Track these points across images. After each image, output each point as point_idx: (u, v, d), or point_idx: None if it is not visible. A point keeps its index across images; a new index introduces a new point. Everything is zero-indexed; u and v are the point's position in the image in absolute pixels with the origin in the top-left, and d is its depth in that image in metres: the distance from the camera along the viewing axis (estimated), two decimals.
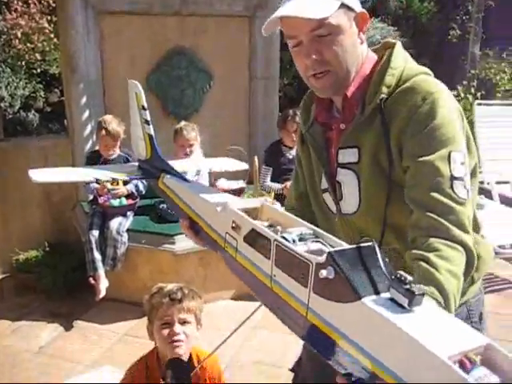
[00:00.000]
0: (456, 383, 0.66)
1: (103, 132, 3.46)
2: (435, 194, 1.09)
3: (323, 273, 0.82)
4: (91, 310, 3.46)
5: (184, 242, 3.20)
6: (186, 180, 1.51)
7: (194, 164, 2.31)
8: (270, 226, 1.13)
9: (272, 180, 3.99)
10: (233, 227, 1.12)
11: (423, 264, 1.02)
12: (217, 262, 3.30)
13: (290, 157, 3.91)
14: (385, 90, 1.21)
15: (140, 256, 3.44)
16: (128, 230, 3.42)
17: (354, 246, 0.87)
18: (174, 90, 4.15)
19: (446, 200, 1.09)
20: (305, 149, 1.43)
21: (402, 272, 0.79)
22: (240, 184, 3.84)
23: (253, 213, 1.21)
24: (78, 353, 3.07)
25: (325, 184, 1.36)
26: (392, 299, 0.79)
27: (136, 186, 3.51)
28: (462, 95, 6.28)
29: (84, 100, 3.83)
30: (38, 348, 3.11)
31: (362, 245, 0.87)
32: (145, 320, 1.98)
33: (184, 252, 3.28)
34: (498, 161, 5.29)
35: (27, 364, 2.95)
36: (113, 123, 3.46)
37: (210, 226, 1.28)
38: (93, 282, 3.31)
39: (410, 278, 0.78)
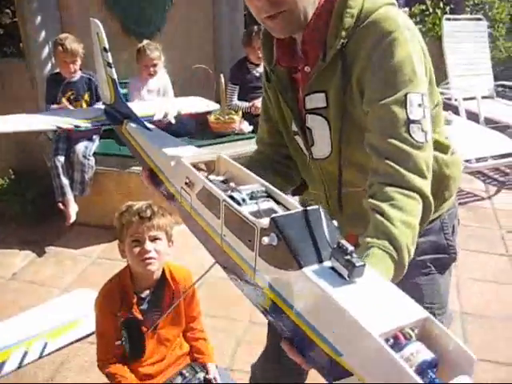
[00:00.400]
0: (385, 360, 0.66)
1: (60, 49, 3.31)
2: (391, 140, 1.07)
3: (265, 240, 0.81)
4: (63, 236, 3.46)
5: None
6: (147, 128, 1.46)
7: (161, 107, 2.16)
8: (224, 181, 1.11)
9: (239, 98, 3.92)
10: (186, 183, 1.10)
11: (378, 216, 1.00)
12: None
13: (257, 74, 3.84)
14: (344, 34, 1.14)
15: (108, 179, 3.40)
16: (95, 154, 3.37)
17: (300, 209, 0.85)
18: (134, 8, 3.95)
19: (402, 145, 1.06)
20: (271, 86, 1.35)
21: (343, 241, 0.77)
22: None
23: (210, 166, 1.19)
24: (52, 278, 3.09)
25: (295, 127, 1.32)
26: (333, 268, 0.78)
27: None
28: (431, 10, 6.16)
29: (39, 19, 3.63)
30: (12, 274, 3.12)
31: (309, 208, 0.84)
32: (116, 242, 1.99)
33: None
34: (466, 76, 5.31)
35: (1, 289, 2.97)
36: (69, 39, 3.31)
37: (168, 180, 1.25)
38: (62, 207, 3.29)
39: (351, 247, 0.76)
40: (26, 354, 2.27)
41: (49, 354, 2.36)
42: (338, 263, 0.76)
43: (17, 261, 3.25)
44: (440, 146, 1.25)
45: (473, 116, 4.87)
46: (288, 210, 0.96)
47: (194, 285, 1.17)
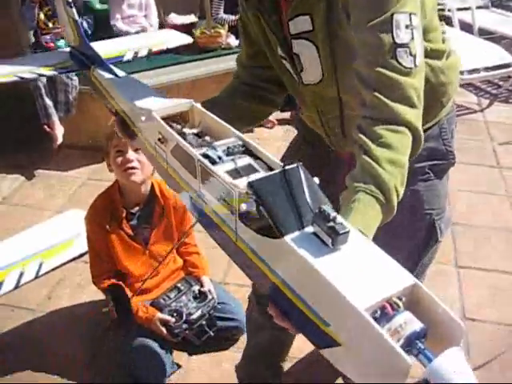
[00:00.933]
0: (372, 336, 0.63)
1: None
2: (378, 69, 0.99)
3: (243, 207, 0.77)
4: (51, 159, 3.41)
5: (142, 80, 3.06)
6: (116, 75, 1.35)
7: (130, 46, 1.97)
8: (199, 135, 1.04)
9: (225, 12, 3.77)
10: (159, 139, 1.04)
11: (364, 157, 0.95)
12: (176, 92, 3.23)
13: None
14: None
15: (93, 98, 3.29)
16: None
17: (277, 170, 0.79)
18: None
19: (389, 73, 0.99)
20: (250, 6, 1.25)
21: (325, 206, 0.73)
22: (192, 19, 3.64)
23: (185, 116, 1.12)
24: (43, 200, 3.08)
25: (281, 52, 1.24)
26: (316, 234, 0.74)
27: (81, 24, 3.26)
28: None
29: None
30: (1, 198, 3.10)
31: (287, 168, 0.79)
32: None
33: None
34: None
35: None
36: None
37: (141, 133, 1.18)
38: (48, 129, 3.22)
39: (333, 213, 0.72)
40: (22, 274, 2.29)
41: (45, 273, 2.39)
42: (321, 229, 0.72)
43: (5, 185, 3.21)
44: (434, 53, 1.18)
45: (467, 26, 4.73)
46: (267, 165, 0.91)
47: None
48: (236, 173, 0.87)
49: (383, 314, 0.67)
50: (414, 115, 1.00)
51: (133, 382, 1.93)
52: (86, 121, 3.37)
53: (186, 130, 1.06)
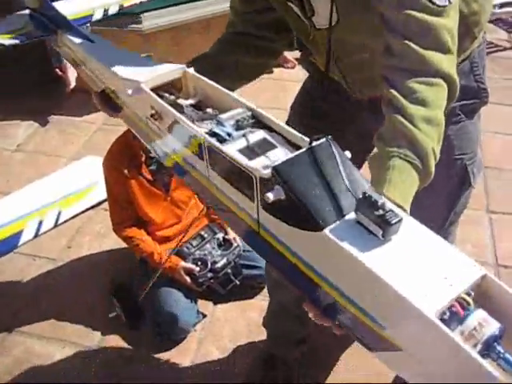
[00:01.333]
0: (445, 344, 0.54)
1: None
2: (406, 11, 0.87)
3: (270, 196, 0.64)
4: (65, 104, 3.29)
5: (152, 20, 2.93)
6: (90, 40, 1.18)
7: (99, 2, 1.75)
8: (198, 106, 0.89)
9: None
10: (152, 115, 0.89)
11: (397, 116, 0.84)
12: (191, 38, 3.08)
13: None
14: None
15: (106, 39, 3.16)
16: None
17: (305, 148, 0.66)
18: None
19: (418, 15, 0.86)
20: None
21: (369, 190, 0.61)
22: None
23: (176, 84, 0.96)
24: (58, 147, 2.99)
25: None
26: (360, 223, 0.62)
27: None
28: None
29: None
30: (16, 146, 3.02)
31: (314, 144, 0.66)
32: None
33: (153, 30, 2.99)
34: None
35: (7, 161, 2.89)
36: None
37: (127, 107, 1.03)
38: (60, 73, 3.09)
39: (380, 199, 0.61)
40: (41, 223, 2.24)
41: (64, 222, 2.34)
42: (367, 219, 0.62)
43: (19, 132, 3.13)
44: None
45: None
46: (284, 138, 0.77)
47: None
48: (250, 151, 0.75)
49: (452, 314, 0.57)
50: (450, 62, 0.88)
51: (158, 331, 1.89)
52: None
53: (182, 102, 0.92)
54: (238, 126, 0.80)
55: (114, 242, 2.22)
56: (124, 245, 2.06)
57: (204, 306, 2.00)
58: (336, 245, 0.61)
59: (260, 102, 2.50)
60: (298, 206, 0.64)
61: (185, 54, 3.36)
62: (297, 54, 3.72)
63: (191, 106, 0.91)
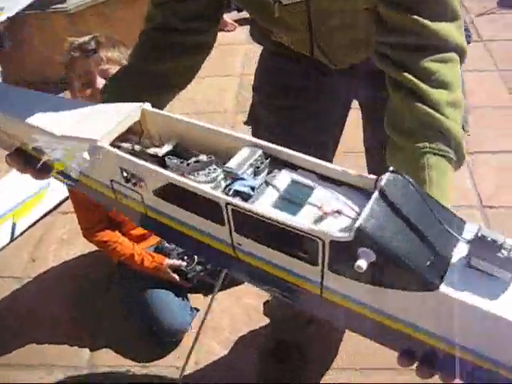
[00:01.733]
0: None
1: None
2: None
3: (362, 265, 0.50)
4: None
5: None
6: None
7: None
8: (180, 155, 0.68)
9: None
10: (126, 178, 0.68)
11: (419, 105, 0.75)
12: (119, 12, 2.86)
13: None
14: None
15: (27, 26, 2.88)
16: None
17: (377, 193, 0.53)
18: None
19: None
20: None
21: (483, 230, 0.51)
22: None
23: (134, 128, 0.74)
24: None
25: None
26: (474, 267, 0.52)
27: None
28: None
29: None
30: None
31: (384, 183, 0.53)
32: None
33: (80, 9, 2.76)
34: None
35: None
36: None
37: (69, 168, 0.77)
38: None
39: (500, 238, 0.50)
40: None
41: (21, 234, 2.13)
42: (489, 264, 0.51)
43: None
44: None
45: None
46: (312, 172, 0.62)
47: None
48: (289, 203, 0.59)
49: None
50: (459, 30, 0.79)
51: (154, 340, 1.74)
52: (23, 55, 2.95)
53: (153, 151, 0.71)
54: (255, 172, 0.62)
55: (82, 247, 2.03)
56: (93, 248, 1.89)
57: (194, 299, 1.86)
58: (459, 301, 0.50)
59: (210, 72, 2.34)
60: (396, 266, 0.51)
61: (120, 32, 3.13)
62: (233, 15, 3.54)
63: (172, 155, 0.69)
